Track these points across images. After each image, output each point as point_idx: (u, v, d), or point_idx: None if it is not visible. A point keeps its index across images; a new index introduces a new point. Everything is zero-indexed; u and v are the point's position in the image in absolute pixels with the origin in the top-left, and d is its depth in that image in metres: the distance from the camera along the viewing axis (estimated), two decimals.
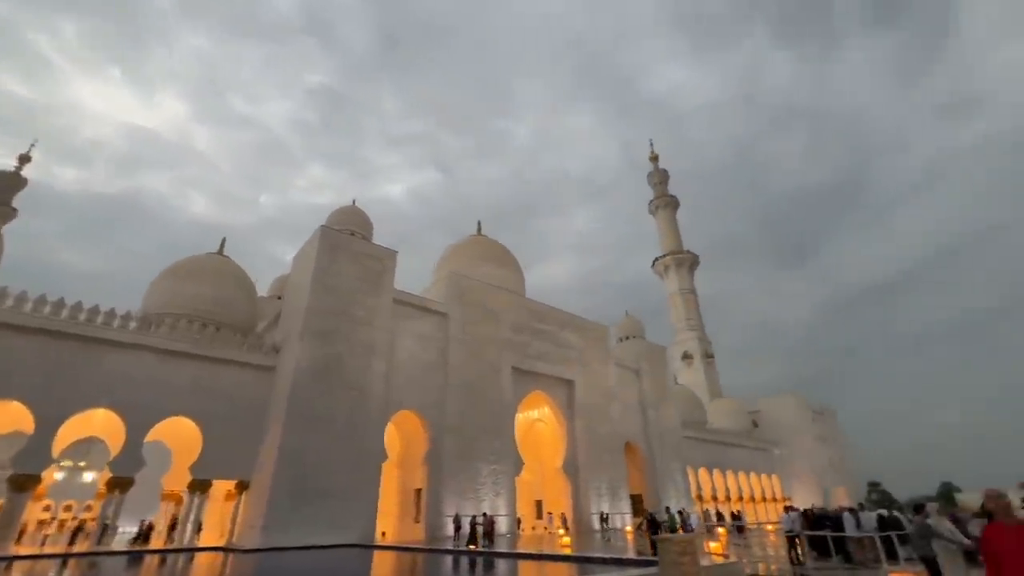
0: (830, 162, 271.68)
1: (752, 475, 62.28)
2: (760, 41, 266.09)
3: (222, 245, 33.96)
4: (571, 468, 37.85)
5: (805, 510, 16.62)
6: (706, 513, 43.80)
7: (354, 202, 36.78)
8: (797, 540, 14.96)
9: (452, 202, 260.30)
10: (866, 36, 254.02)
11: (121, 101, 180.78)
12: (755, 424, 72.57)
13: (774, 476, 66.26)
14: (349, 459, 25.60)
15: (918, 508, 9.36)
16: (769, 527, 40.43)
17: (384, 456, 27.94)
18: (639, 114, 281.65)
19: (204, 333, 28.12)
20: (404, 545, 23.92)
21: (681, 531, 22.60)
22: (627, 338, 53.02)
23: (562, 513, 36.72)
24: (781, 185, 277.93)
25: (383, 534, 31.78)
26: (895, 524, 13.23)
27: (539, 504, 42.58)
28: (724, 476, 57.26)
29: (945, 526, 7.92)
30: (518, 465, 34.17)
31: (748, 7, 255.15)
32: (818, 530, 15.11)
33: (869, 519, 14.32)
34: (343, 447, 25.59)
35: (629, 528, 32.63)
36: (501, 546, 21.37)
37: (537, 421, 44.32)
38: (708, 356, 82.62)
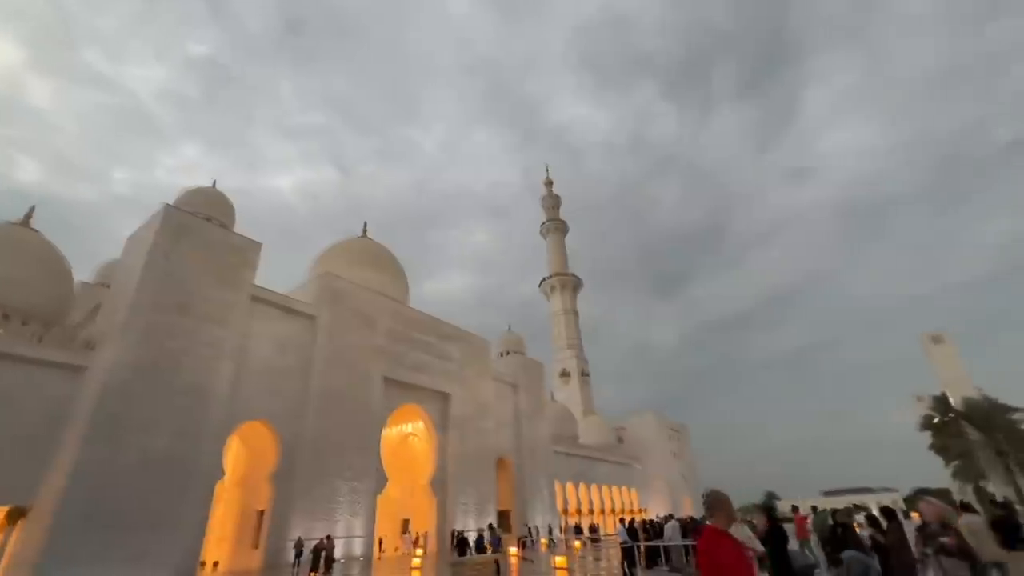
0: (700, 207, 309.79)
1: (614, 488, 66.20)
2: (650, 92, 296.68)
3: (28, 215, 27.72)
4: (439, 484, 36.72)
5: (641, 521, 17.55)
6: (565, 526, 45.28)
7: (215, 184, 32.41)
8: (636, 550, 15.69)
9: (347, 203, 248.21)
10: (734, 102, 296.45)
11: None
12: (620, 440, 77.67)
13: (633, 489, 71.14)
14: (173, 478, 21.83)
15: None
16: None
17: (220, 474, 24.41)
18: (541, 141, 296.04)
19: None
20: None
21: (489, 550, 22.13)
22: (507, 353, 53.70)
23: (425, 532, 35.30)
24: (660, 223, 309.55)
25: (215, 564, 27.89)
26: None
27: (406, 523, 40.62)
28: (589, 489, 60.03)
29: (744, 533, 8.51)
30: (381, 482, 32.22)
31: (643, 59, 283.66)
32: (639, 540, 16.00)
33: (674, 527, 15.51)
34: (166, 464, 21.77)
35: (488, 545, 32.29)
36: (337, 572, 19.53)
37: (410, 435, 42.58)
38: (584, 374, 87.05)
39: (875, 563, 7.81)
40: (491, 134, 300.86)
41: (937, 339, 51.87)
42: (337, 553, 27.14)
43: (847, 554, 7.86)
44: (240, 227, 31.17)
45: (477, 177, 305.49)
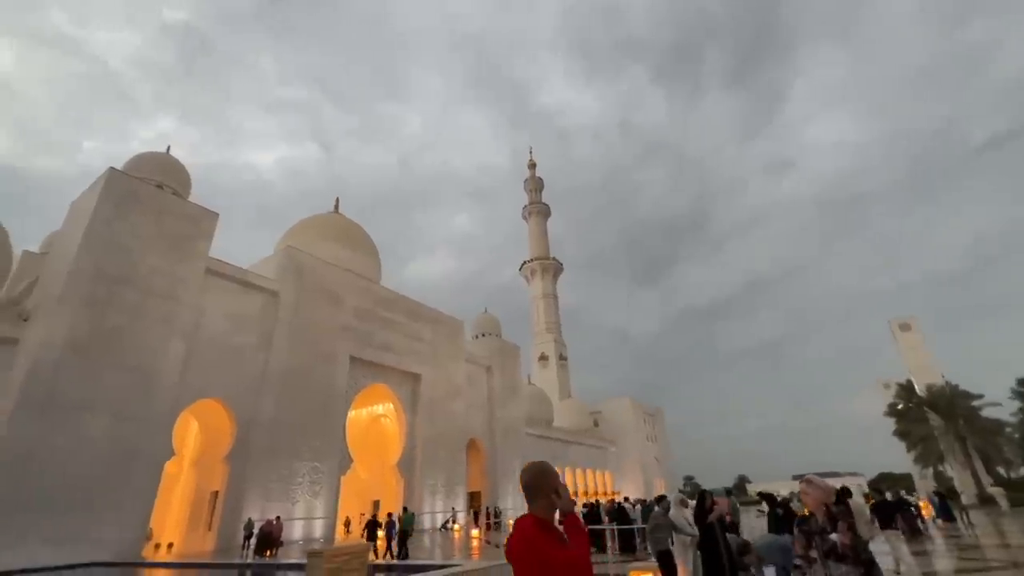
0: (685, 195, 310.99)
1: (589, 471, 66.71)
2: (640, 77, 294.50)
3: None
4: (406, 465, 36.12)
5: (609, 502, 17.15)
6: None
7: (168, 149, 30.50)
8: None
9: (329, 181, 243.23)
10: (722, 90, 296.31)
11: None
12: (596, 423, 78.18)
13: (607, 472, 71.86)
14: (114, 458, 20.69)
15: (659, 499, 9.39)
16: None
17: (170, 453, 23.31)
18: (529, 124, 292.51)
19: None
20: (170, 561, 19.99)
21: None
22: (482, 335, 53.03)
23: (388, 513, 34.74)
24: (645, 210, 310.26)
25: (170, 545, 26.99)
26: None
27: (376, 504, 40.12)
28: (563, 472, 60.26)
29: (684, 517, 7.88)
30: (345, 463, 31.44)
31: (633, 44, 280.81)
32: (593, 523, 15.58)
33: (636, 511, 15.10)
34: (107, 444, 20.60)
35: (458, 527, 31.96)
36: (290, 555, 18.84)
37: (382, 417, 41.82)
38: (562, 358, 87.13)
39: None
40: (478, 115, 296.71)
41: (904, 326, 52.73)
42: (296, 535, 26.52)
43: (762, 542, 7.33)
44: (218, 203, 29.40)
45: (462, 159, 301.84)
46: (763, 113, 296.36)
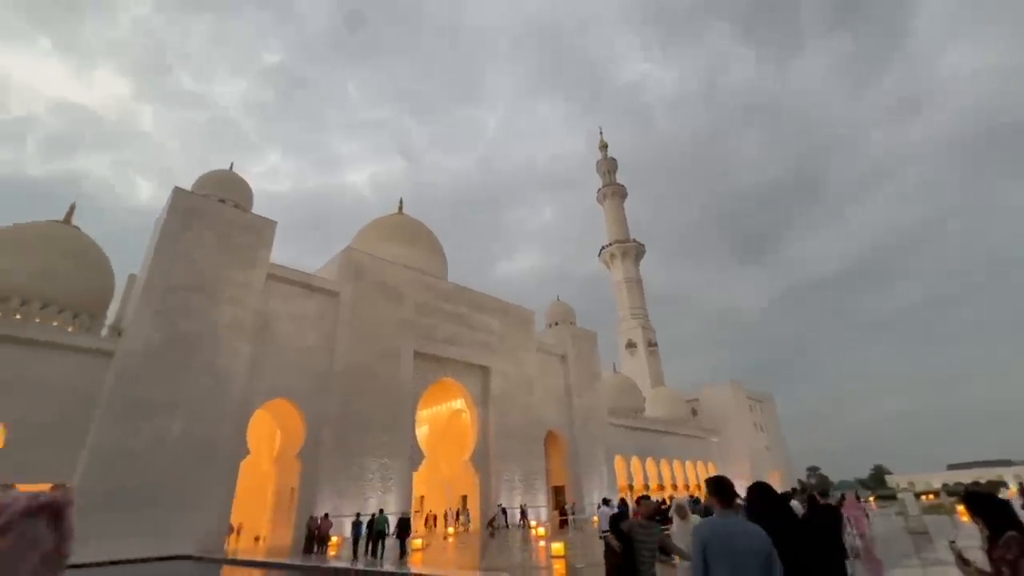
0: (788, 158, 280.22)
1: (688, 463, 61.68)
2: (724, 37, 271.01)
3: (69, 213, 29.32)
4: (480, 460, 35.32)
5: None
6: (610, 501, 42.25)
7: (232, 167, 32.60)
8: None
9: (417, 191, 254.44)
10: (826, 38, 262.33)
11: (52, 75, 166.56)
12: (694, 412, 72.29)
13: (711, 463, 66.04)
14: (193, 456, 22.04)
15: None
16: None
17: (245, 451, 24.47)
18: (606, 105, 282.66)
19: (26, 312, 23.82)
20: (231, 558, 20.65)
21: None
22: (556, 324, 50.87)
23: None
24: (740, 179, 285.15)
25: (258, 539, 28.81)
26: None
27: (464, 499, 40.00)
28: (657, 464, 56.20)
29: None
30: (416, 459, 31.29)
31: (714, 3, 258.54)
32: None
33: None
34: (186, 442, 21.99)
35: (535, 523, 30.36)
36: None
37: (460, 411, 41.62)
38: (651, 345, 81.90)
39: None
40: (553, 104, 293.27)
41: None
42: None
43: None
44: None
45: (542, 151, 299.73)
46: (879, 51, 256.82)
